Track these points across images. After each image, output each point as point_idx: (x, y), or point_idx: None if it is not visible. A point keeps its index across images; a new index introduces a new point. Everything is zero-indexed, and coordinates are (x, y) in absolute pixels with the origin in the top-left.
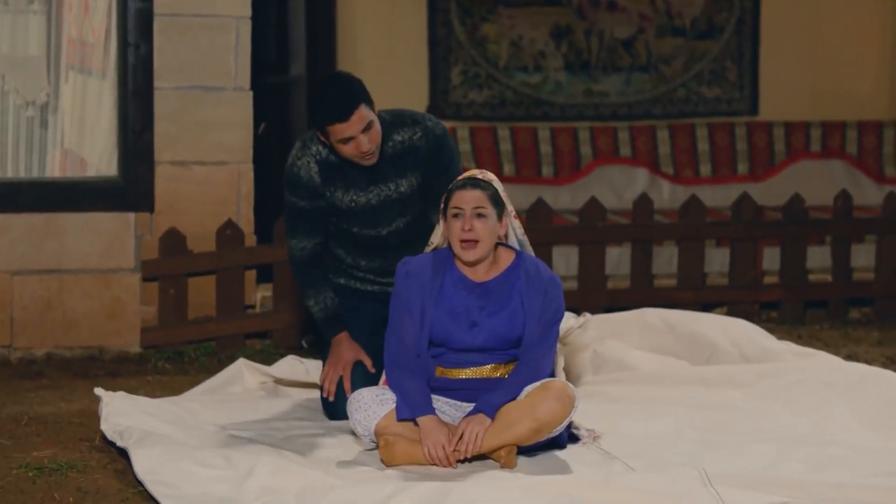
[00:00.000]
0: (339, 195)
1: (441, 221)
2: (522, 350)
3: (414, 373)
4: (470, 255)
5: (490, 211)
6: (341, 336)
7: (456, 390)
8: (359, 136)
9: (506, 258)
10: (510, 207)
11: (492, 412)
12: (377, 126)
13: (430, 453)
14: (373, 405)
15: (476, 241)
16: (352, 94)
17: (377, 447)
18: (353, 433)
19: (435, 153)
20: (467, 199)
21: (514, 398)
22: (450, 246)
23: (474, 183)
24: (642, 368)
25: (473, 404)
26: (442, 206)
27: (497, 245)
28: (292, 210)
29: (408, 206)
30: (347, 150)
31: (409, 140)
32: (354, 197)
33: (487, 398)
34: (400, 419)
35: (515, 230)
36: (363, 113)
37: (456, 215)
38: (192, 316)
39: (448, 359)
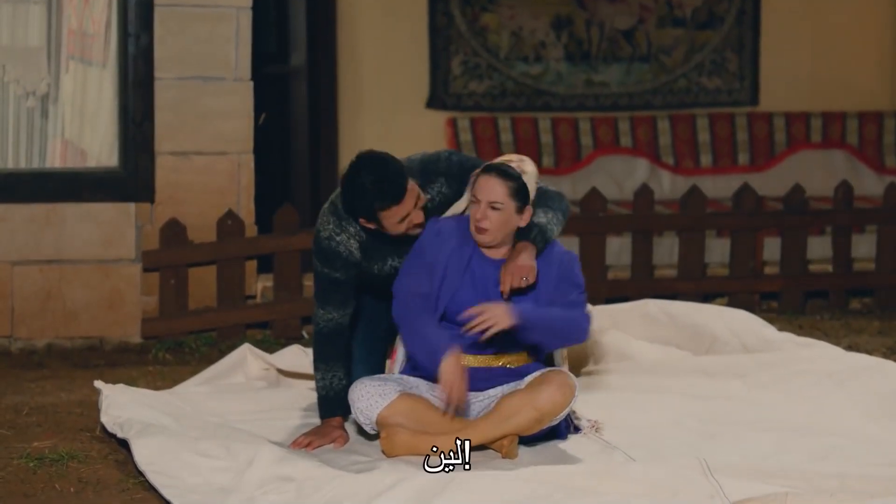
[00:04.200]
0: (377, 266)
1: (468, 191)
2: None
3: (430, 316)
4: (481, 238)
5: (508, 205)
6: (336, 420)
7: None
8: (413, 212)
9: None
10: None
11: (517, 313)
12: (422, 194)
13: (444, 390)
14: (375, 395)
15: (487, 230)
16: (397, 173)
17: (378, 436)
18: (355, 423)
19: (457, 185)
20: (487, 190)
21: (544, 319)
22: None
23: (501, 172)
24: (643, 358)
25: (475, 393)
26: (472, 178)
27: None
28: (325, 280)
29: None
30: (401, 227)
31: (438, 194)
32: (393, 263)
33: (520, 304)
34: (430, 366)
35: None
36: (412, 188)
37: (474, 201)
38: (193, 306)
39: None
